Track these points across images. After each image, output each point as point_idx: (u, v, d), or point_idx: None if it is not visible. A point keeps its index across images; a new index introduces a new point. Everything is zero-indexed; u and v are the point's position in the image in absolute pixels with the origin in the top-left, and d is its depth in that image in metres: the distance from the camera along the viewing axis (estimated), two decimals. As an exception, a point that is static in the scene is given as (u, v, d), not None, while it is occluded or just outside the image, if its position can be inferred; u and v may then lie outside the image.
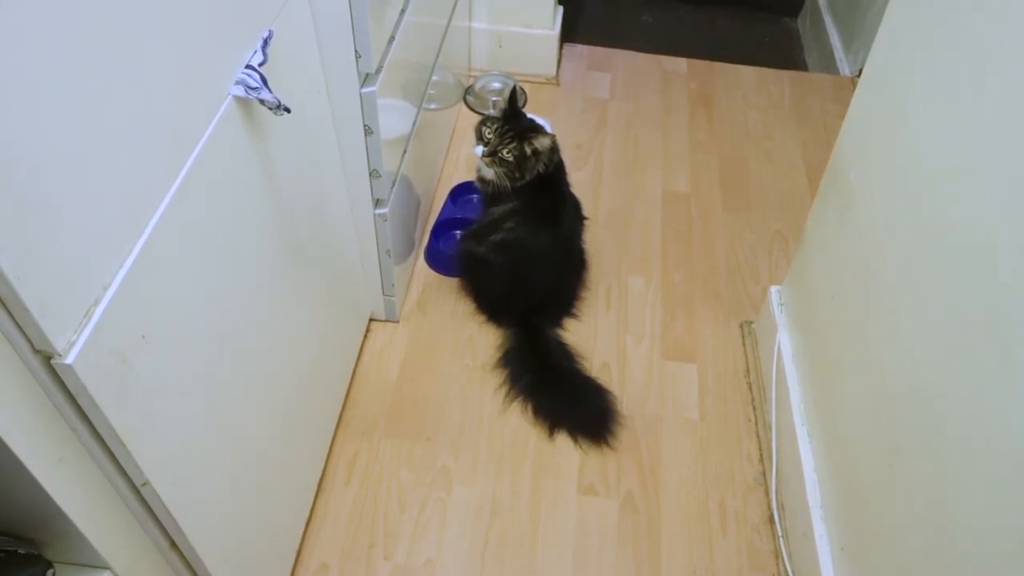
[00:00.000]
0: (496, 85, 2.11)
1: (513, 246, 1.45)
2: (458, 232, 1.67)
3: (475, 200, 1.75)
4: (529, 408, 1.42)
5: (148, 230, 0.70)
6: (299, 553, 1.21)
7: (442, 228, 1.71)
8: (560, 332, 1.55)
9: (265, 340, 1.00)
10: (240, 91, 0.84)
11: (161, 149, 0.71)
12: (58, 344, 0.60)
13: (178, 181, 0.74)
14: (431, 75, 1.63)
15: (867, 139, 1.13)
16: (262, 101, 0.86)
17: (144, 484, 0.74)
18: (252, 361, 0.97)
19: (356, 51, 1.10)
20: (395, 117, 1.36)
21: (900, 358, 0.97)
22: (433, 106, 1.79)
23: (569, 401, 1.42)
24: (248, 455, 0.99)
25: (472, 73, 2.14)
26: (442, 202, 1.76)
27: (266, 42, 0.90)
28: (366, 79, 1.15)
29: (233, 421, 0.92)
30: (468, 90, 2.09)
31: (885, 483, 0.99)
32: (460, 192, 1.78)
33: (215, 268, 0.83)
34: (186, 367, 0.79)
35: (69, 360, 0.61)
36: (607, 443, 1.39)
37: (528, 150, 1.43)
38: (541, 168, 1.45)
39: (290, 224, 1.04)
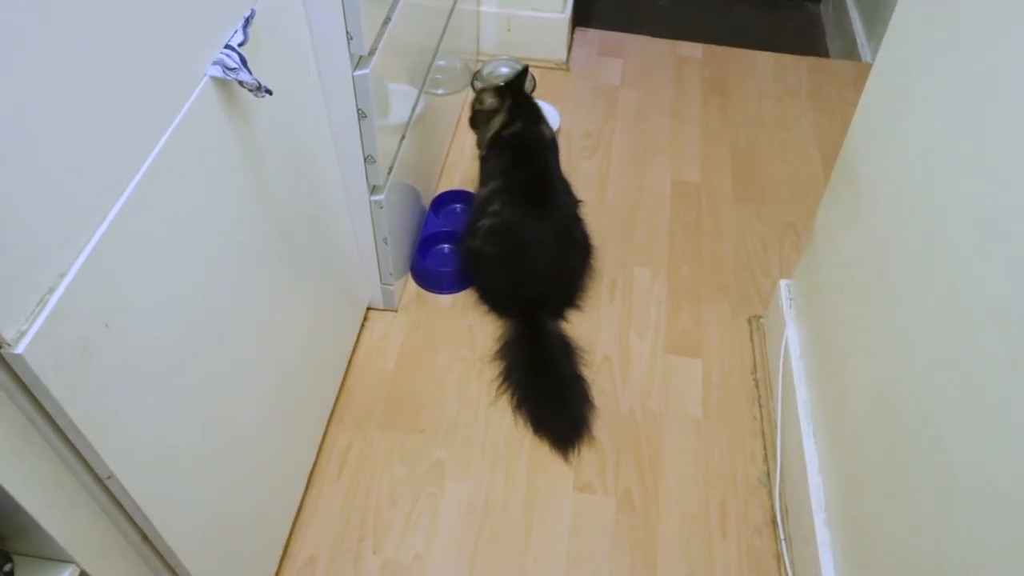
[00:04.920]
0: (504, 70, 2.06)
1: (503, 230, 1.42)
2: (445, 246, 1.62)
3: (458, 209, 1.69)
4: (515, 404, 1.39)
5: (112, 215, 0.67)
6: (287, 546, 1.19)
7: (428, 244, 1.62)
8: (563, 324, 1.51)
9: (250, 328, 0.98)
10: (217, 71, 0.81)
11: (128, 130, 0.68)
12: (7, 333, 0.58)
13: (146, 164, 0.71)
14: (434, 59, 1.59)
15: (878, 130, 1.08)
16: (241, 83, 0.83)
17: (109, 477, 0.72)
18: (235, 349, 0.94)
19: (347, 32, 1.07)
20: (393, 101, 1.33)
21: (905, 358, 0.92)
22: (440, 91, 1.75)
23: (550, 403, 1.38)
24: (230, 446, 0.96)
25: (480, 58, 2.10)
26: (447, 189, 1.72)
27: (247, 21, 0.87)
28: (359, 62, 1.12)
29: (212, 411, 0.90)
30: (476, 75, 2.05)
31: (888, 489, 0.94)
32: (442, 202, 1.69)
33: (189, 254, 0.81)
34: (156, 356, 0.76)
35: (19, 350, 0.58)
36: (571, 451, 1.34)
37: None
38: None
39: (278, 210, 1.01)
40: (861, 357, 1.07)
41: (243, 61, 0.84)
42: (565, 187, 1.50)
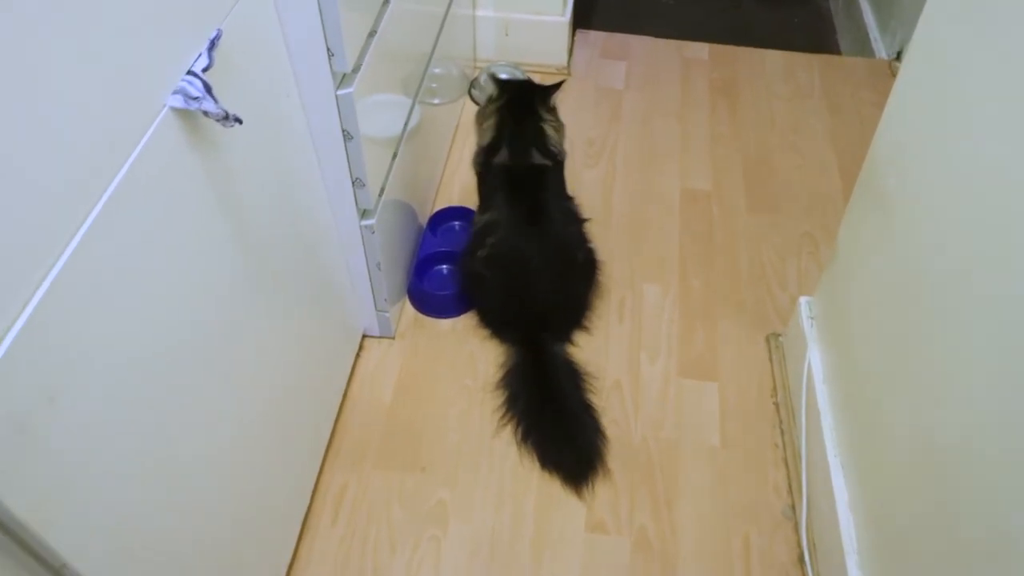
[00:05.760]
0: (503, 77, 1.97)
1: (500, 259, 1.34)
2: (444, 267, 1.53)
3: (457, 227, 1.60)
4: (520, 437, 1.30)
5: (55, 271, 0.59)
6: (279, 600, 1.11)
7: (425, 265, 1.52)
8: (570, 348, 1.42)
9: (230, 374, 0.89)
10: (178, 101, 0.73)
11: (72, 173, 0.60)
12: (-77, 423, 0.50)
13: (96, 211, 0.63)
14: (428, 68, 1.50)
15: (909, 139, 0.99)
16: (206, 113, 0.75)
17: (63, 567, 0.64)
18: (213, 401, 0.86)
19: (328, 49, 0.98)
20: (382, 117, 1.24)
21: (952, 395, 0.84)
22: (436, 101, 1.67)
23: (558, 435, 1.29)
24: (210, 509, 0.88)
25: (478, 64, 2.02)
26: (445, 205, 1.64)
27: (213, 43, 0.78)
28: (342, 80, 1.04)
29: (187, 476, 0.82)
30: (473, 83, 1.96)
31: (932, 537, 0.85)
32: (440, 220, 1.60)
33: (153, 306, 0.72)
34: (115, 426, 0.68)
35: (-60, 441, 0.50)
36: (583, 488, 1.25)
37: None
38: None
39: (259, 243, 0.93)
40: (896, 389, 0.98)
41: (207, 89, 0.75)
42: (567, 207, 1.41)
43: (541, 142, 1.37)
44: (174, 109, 0.73)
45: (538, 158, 1.37)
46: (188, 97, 0.74)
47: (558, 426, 1.29)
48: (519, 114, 1.39)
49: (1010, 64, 0.76)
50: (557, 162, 1.40)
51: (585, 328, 1.47)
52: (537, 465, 1.28)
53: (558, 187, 1.41)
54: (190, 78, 0.75)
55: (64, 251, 0.60)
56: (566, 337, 1.44)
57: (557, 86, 1.39)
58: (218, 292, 0.85)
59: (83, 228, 0.61)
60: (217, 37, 0.79)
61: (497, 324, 1.44)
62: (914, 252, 0.95)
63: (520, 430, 1.30)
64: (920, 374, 0.91)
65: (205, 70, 0.76)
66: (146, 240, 0.70)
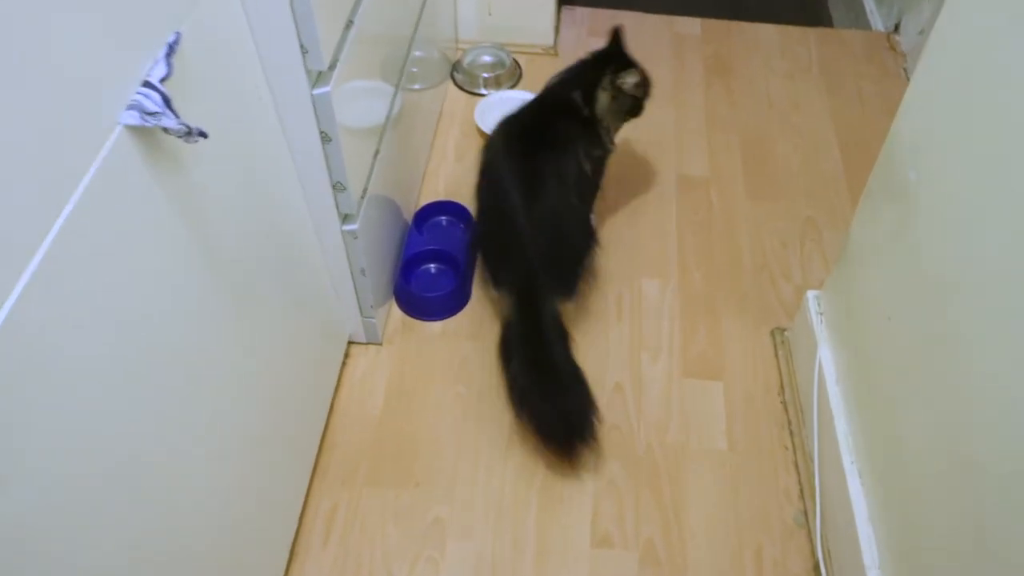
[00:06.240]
0: (487, 59, 1.88)
1: (489, 168, 1.31)
2: (432, 266, 1.46)
3: (444, 222, 1.53)
4: (515, 403, 1.24)
5: (-7, 332, 0.51)
6: (270, 633, 1.05)
7: (411, 265, 1.44)
8: (572, 346, 1.32)
9: (207, 391, 0.82)
10: (133, 119, 0.65)
11: (7, 216, 0.52)
12: None
13: (39, 256, 0.55)
14: (409, 52, 1.41)
15: (935, 127, 0.92)
16: (165, 129, 0.67)
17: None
18: (188, 423, 0.79)
19: (302, 46, 0.90)
20: (362, 113, 1.16)
21: (988, 408, 0.78)
22: (417, 86, 1.58)
23: (550, 399, 1.20)
24: (191, 535, 0.81)
25: (460, 46, 1.92)
26: (430, 199, 1.56)
27: (171, 49, 0.70)
28: (318, 78, 0.95)
29: (165, 502, 0.75)
30: (455, 66, 1.87)
31: (968, 561, 0.80)
32: (426, 216, 1.51)
33: (114, 344, 0.65)
34: (78, 504, 0.61)
35: None
36: (572, 459, 1.23)
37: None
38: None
39: (232, 256, 0.85)
40: (920, 397, 0.92)
41: (166, 101, 0.67)
42: (581, 162, 1.33)
43: (590, 94, 1.37)
44: (129, 127, 0.65)
45: (578, 99, 1.37)
46: (144, 113, 0.65)
47: (550, 392, 1.20)
48: (593, 64, 1.43)
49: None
50: (593, 121, 1.38)
51: (582, 286, 1.36)
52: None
53: (583, 136, 1.35)
54: (146, 90, 0.66)
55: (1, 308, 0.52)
56: (561, 293, 1.30)
57: (628, 67, 1.43)
58: (188, 314, 0.77)
59: (22, 280, 0.53)
60: (175, 42, 0.70)
61: (491, 259, 1.34)
62: (939, 249, 0.89)
63: (516, 401, 1.22)
64: (947, 380, 0.85)
65: (163, 80, 0.68)
66: (102, 282, 0.62)
